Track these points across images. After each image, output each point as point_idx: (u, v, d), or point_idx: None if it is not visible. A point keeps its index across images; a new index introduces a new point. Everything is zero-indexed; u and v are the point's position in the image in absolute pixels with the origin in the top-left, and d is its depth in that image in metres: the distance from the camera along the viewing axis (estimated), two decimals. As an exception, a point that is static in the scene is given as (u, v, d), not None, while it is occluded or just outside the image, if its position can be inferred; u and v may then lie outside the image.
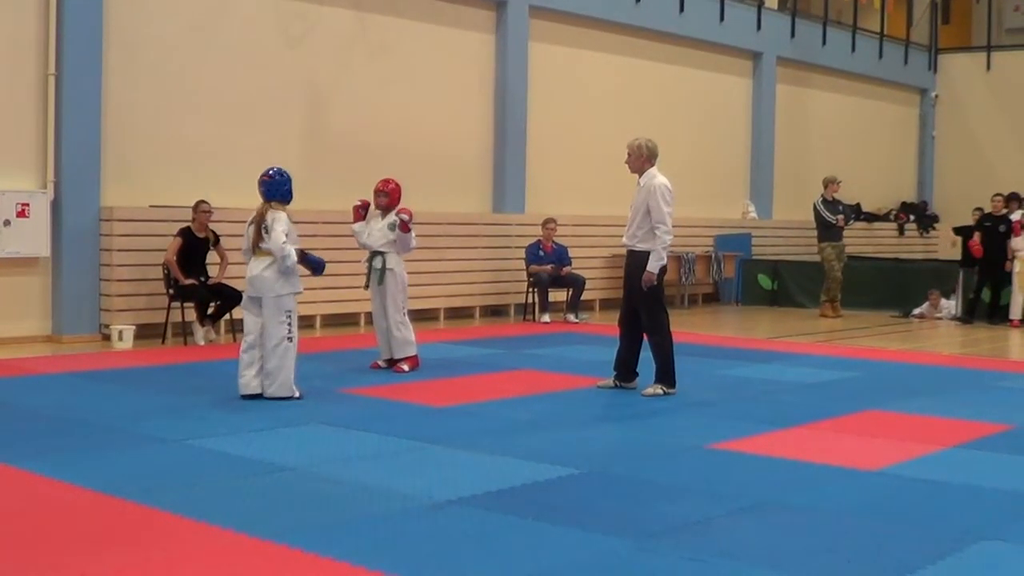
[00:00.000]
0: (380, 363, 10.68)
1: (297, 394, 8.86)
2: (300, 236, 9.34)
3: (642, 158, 9.48)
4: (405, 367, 10.49)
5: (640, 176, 9.50)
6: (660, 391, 9.41)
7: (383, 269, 10.46)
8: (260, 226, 8.93)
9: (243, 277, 9.29)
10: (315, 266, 9.34)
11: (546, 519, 5.53)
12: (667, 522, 5.55)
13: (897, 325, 16.54)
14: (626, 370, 9.71)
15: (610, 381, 9.75)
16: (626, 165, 9.61)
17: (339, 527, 5.37)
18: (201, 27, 13.59)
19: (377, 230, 10.53)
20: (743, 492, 6.17)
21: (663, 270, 9.43)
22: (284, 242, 8.80)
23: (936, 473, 6.73)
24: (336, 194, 13.76)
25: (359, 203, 10.67)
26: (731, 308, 19.16)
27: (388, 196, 10.57)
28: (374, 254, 10.53)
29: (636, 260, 9.44)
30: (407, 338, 10.53)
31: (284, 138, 14.24)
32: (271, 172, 9.10)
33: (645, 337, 9.64)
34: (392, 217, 10.48)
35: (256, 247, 8.96)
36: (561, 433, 7.84)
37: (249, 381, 8.89)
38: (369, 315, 11.43)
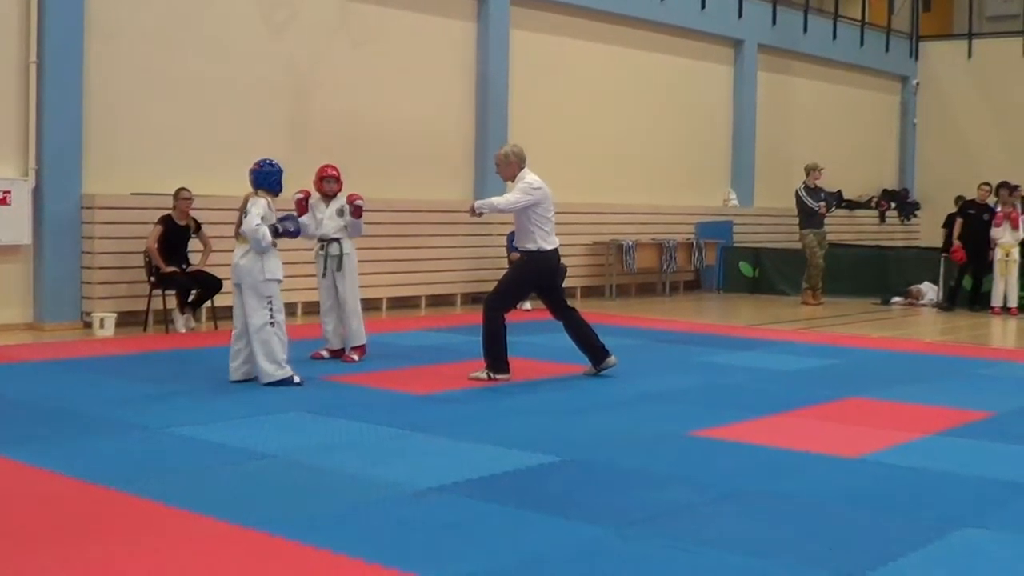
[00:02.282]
0: (324, 353, 10.45)
1: (297, 379, 8.88)
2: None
3: (512, 165, 9.55)
4: (355, 356, 10.33)
5: (514, 181, 9.55)
6: (485, 376, 9.42)
7: (340, 255, 10.30)
8: (241, 212, 9.00)
9: (226, 265, 9.30)
10: (294, 232, 9.25)
11: (528, 507, 5.54)
12: (648, 510, 5.56)
13: (878, 313, 16.59)
14: (594, 353, 9.75)
15: (591, 369, 9.78)
16: (498, 175, 9.73)
17: (321, 515, 5.37)
18: (183, 15, 13.52)
19: (327, 218, 10.29)
20: (724, 480, 6.19)
21: (553, 267, 9.62)
22: (257, 224, 8.79)
23: (918, 460, 6.75)
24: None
25: (300, 196, 10.28)
26: (712, 295, 19.19)
27: (340, 181, 10.37)
28: (328, 242, 10.34)
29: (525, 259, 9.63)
30: (360, 327, 10.39)
31: (266, 126, 14.20)
32: (261, 162, 9.18)
33: (580, 315, 9.78)
34: (341, 203, 10.29)
35: (237, 233, 9.04)
36: (542, 420, 7.85)
37: (239, 367, 8.98)
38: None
